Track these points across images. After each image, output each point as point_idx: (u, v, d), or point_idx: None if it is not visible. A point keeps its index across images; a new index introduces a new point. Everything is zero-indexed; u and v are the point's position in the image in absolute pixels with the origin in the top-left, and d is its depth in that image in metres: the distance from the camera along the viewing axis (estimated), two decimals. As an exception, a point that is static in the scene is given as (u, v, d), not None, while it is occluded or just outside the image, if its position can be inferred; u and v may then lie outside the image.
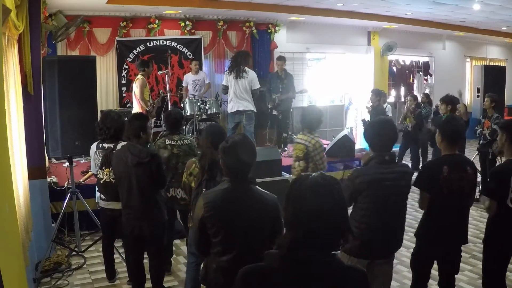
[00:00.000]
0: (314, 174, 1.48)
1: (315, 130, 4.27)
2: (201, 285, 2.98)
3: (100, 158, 3.95)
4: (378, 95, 7.64)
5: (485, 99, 6.67)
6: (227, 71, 7.14)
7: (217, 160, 2.71)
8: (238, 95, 7.03)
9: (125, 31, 8.07)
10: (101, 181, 3.86)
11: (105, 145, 4.00)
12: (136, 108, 6.74)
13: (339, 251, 1.48)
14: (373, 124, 3.04)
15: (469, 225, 5.71)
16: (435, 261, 3.36)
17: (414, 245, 3.48)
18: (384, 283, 2.92)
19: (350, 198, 2.80)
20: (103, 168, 3.84)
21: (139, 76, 6.75)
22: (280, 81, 7.92)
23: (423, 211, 3.40)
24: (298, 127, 9.56)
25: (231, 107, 7.13)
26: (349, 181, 2.85)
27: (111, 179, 3.78)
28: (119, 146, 3.81)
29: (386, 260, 2.91)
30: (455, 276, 3.39)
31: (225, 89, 7.17)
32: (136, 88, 6.70)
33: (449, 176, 3.04)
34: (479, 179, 6.11)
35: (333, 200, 1.42)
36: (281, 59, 8.04)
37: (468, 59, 13.29)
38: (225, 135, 3.07)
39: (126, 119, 4.20)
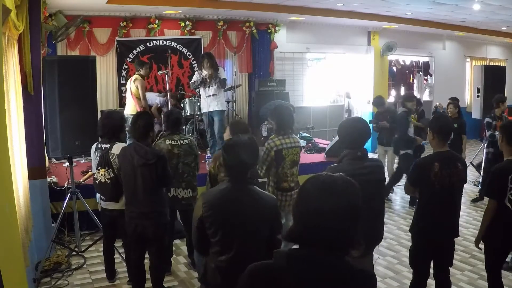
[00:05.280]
0: (335, 174, 1.45)
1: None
2: None
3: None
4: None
5: (497, 103, 6.53)
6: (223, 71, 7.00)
7: None
8: None
9: (125, 31, 8.06)
10: (97, 181, 3.86)
11: (103, 145, 4.00)
12: (132, 108, 6.61)
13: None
14: (343, 124, 3.07)
15: (469, 225, 5.77)
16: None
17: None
18: None
19: None
20: (99, 168, 3.84)
21: (137, 76, 6.65)
22: None
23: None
24: (297, 127, 9.59)
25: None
26: None
27: (106, 180, 3.78)
28: (115, 147, 3.81)
29: (366, 253, 2.97)
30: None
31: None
32: (135, 88, 6.58)
33: (440, 173, 3.12)
34: (470, 175, 6.10)
35: (341, 202, 1.37)
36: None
37: (468, 59, 13.28)
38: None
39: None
